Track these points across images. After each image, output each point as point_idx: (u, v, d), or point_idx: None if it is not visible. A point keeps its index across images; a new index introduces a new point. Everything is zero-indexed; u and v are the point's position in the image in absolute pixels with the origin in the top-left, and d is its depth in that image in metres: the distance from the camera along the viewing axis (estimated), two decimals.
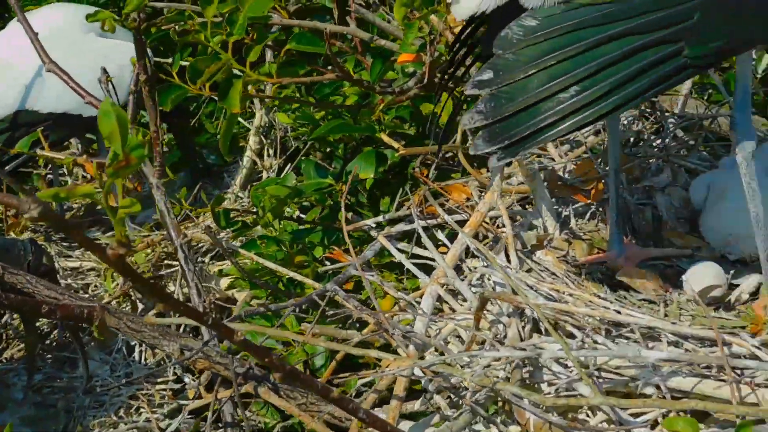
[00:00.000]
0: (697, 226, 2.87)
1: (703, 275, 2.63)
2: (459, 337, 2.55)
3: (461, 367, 2.32)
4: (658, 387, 2.25)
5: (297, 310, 2.87)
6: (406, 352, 2.37)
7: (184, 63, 2.90)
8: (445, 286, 2.58)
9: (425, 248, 2.78)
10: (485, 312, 2.49)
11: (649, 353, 2.19)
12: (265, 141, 4.19)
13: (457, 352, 2.31)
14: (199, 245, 3.70)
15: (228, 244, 3.12)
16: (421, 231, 2.65)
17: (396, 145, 2.89)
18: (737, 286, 2.67)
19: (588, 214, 2.91)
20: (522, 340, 2.38)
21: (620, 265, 2.72)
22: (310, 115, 3.47)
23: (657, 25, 2.25)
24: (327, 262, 2.99)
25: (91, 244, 1.29)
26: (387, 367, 2.30)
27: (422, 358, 2.38)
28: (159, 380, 3.43)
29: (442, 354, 2.41)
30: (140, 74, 2.58)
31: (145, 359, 3.53)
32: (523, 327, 2.42)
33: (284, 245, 3.25)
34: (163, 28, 2.76)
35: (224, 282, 3.63)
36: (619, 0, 2.27)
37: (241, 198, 4.11)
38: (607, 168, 2.92)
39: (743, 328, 2.33)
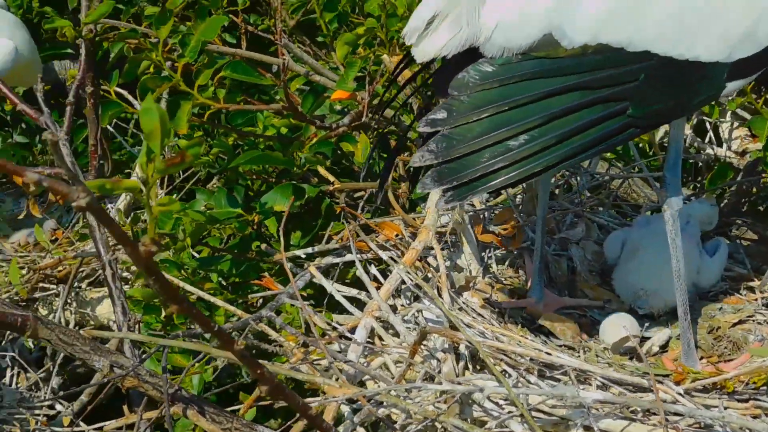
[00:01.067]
0: (608, 279, 3.01)
1: (618, 325, 2.75)
2: (387, 370, 2.58)
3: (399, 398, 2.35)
4: (587, 428, 2.34)
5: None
6: (341, 381, 2.39)
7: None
8: (379, 320, 2.62)
9: (347, 285, 2.83)
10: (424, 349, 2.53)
11: (586, 394, 2.28)
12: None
13: (397, 384, 2.34)
14: (80, 270, 3.63)
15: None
16: (358, 264, 2.68)
17: (331, 178, 2.93)
18: (648, 338, 2.81)
19: (507, 261, 3.01)
20: (457, 375, 2.43)
21: (540, 310, 2.82)
22: (226, 144, 3.46)
23: (606, 82, 2.39)
24: (250, 289, 2.98)
25: (125, 238, 1.27)
26: (331, 395, 2.31)
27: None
28: (35, 404, 3.34)
29: (366, 384, 2.44)
30: (87, 86, 2.54)
31: (17, 383, 3.42)
32: (457, 363, 2.48)
33: (186, 271, 3.23)
34: (113, 44, 2.72)
35: (100, 308, 3.59)
36: (572, 55, 2.39)
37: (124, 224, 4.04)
38: (526, 216, 3.05)
39: (666, 376, 2.45)
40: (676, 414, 2.27)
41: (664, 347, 2.79)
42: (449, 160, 2.33)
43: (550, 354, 2.46)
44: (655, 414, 2.32)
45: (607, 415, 2.32)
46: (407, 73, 2.97)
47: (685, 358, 2.59)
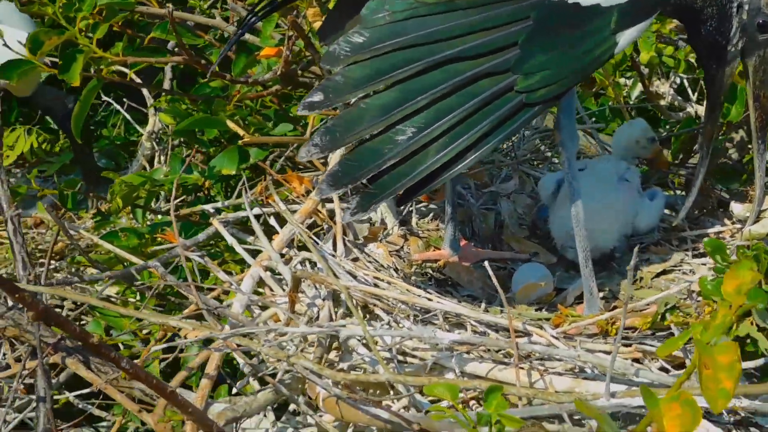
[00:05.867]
0: (538, 233, 2.91)
1: (528, 275, 2.65)
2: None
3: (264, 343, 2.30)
4: (462, 373, 2.25)
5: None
6: (214, 328, 2.35)
7: None
8: (268, 271, 2.57)
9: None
10: (304, 296, 2.48)
11: (444, 335, 2.20)
12: (157, 147, 4.18)
13: (256, 325, 2.29)
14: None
15: (71, 226, 3.09)
16: (251, 216, 2.65)
17: (241, 132, 2.90)
18: (564, 289, 2.69)
19: (431, 214, 2.93)
20: (332, 320, 2.37)
21: (454, 263, 2.73)
22: (179, 110, 3.45)
23: (485, 50, 2.23)
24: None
25: None
26: (185, 336, 2.28)
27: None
28: None
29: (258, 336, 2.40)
30: None
31: None
32: (336, 311, 2.41)
33: (146, 237, 3.23)
34: None
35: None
36: (444, 10, 2.25)
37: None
38: None
39: (548, 320, 2.35)
40: (531, 354, 2.16)
41: (580, 298, 2.66)
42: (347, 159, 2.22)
43: (430, 300, 2.38)
44: (527, 358, 2.22)
45: (473, 359, 2.22)
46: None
47: (588, 306, 2.48)
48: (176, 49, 2.89)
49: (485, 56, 2.24)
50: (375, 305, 2.36)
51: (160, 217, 3.33)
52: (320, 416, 2.37)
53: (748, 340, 2.04)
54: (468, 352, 2.26)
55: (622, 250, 2.81)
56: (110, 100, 4.39)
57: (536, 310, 2.58)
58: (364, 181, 2.23)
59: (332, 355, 2.39)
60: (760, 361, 2.03)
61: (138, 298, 3.05)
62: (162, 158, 4.21)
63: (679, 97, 3.73)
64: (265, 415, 2.46)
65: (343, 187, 2.24)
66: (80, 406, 2.87)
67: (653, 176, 3.01)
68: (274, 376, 2.38)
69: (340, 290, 2.30)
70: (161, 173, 3.51)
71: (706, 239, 2.21)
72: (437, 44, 2.24)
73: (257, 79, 3.01)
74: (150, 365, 2.74)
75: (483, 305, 2.57)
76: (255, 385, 2.51)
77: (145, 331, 2.83)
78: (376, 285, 2.43)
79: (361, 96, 2.23)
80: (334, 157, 2.74)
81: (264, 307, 2.56)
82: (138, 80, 3.13)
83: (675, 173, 3.06)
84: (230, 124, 2.90)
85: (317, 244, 2.56)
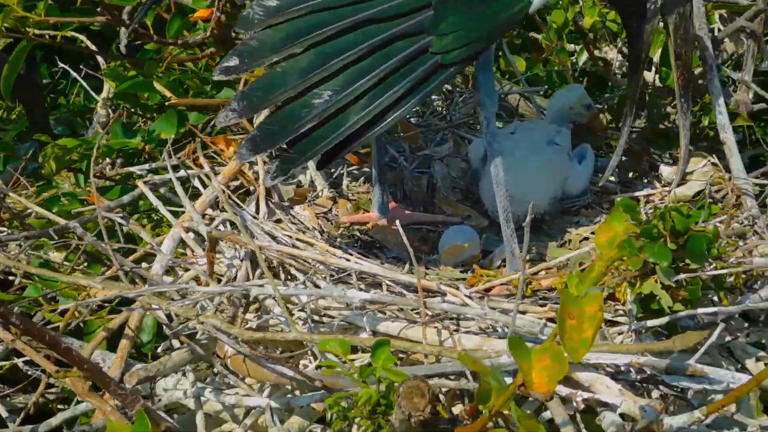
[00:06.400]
0: (470, 197, 2.89)
1: (454, 237, 2.63)
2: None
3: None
4: (375, 333, 2.23)
5: None
6: (124, 288, 2.33)
7: None
8: (190, 232, 2.55)
9: None
10: (223, 257, 2.47)
11: (355, 294, 2.19)
12: (112, 114, 4.14)
13: (167, 285, 2.28)
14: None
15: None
16: (173, 178, 2.63)
17: (168, 94, 2.87)
18: (491, 252, 2.67)
19: (363, 177, 2.91)
20: (249, 280, 2.36)
21: (382, 225, 2.72)
22: (119, 73, 3.42)
23: (399, 11, 2.22)
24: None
25: None
26: (94, 295, 2.26)
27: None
28: None
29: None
30: None
31: None
32: (254, 272, 2.40)
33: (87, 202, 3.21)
34: None
35: None
36: None
37: None
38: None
39: (465, 281, 2.33)
40: (443, 314, 2.15)
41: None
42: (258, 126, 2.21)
43: (348, 260, 2.36)
44: (438, 317, 2.21)
45: (387, 319, 2.21)
46: None
47: (510, 266, 2.47)
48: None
49: (400, 17, 2.22)
50: (291, 265, 2.34)
51: (106, 182, 3.31)
52: (242, 378, 2.36)
53: (657, 298, 2.03)
54: (383, 312, 2.24)
55: (552, 213, 2.79)
56: (66, 67, 4.34)
57: (462, 271, 2.57)
58: (284, 145, 2.21)
59: (252, 316, 2.38)
60: (665, 319, 2.01)
61: (85, 264, 3.04)
62: None
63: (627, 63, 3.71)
64: (184, 375, 2.43)
65: (262, 152, 2.23)
66: (29, 372, 2.86)
67: (591, 141, 2.98)
68: (193, 336, 2.37)
69: (255, 250, 2.28)
70: (101, 138, 3.48)
71: (619, 198, 2.18)
72: (352, 6, 2.22)
73: (188, 41, 2.97)
74: (95, 330, 2.73)
75: (407, 267, 2.55)
76: (174, 344, 2.50)
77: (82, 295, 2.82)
78: (294, 246, 2.41)
79: (277, 60, 2.21)
80: (257, 121, 2.72)
81: (187, 269, 2.55)
82: (92, 46, 3.09)
83: (611, 137, 3.04)
84: (158, 86, 2.88)
85: (239, 206, 2.54)
